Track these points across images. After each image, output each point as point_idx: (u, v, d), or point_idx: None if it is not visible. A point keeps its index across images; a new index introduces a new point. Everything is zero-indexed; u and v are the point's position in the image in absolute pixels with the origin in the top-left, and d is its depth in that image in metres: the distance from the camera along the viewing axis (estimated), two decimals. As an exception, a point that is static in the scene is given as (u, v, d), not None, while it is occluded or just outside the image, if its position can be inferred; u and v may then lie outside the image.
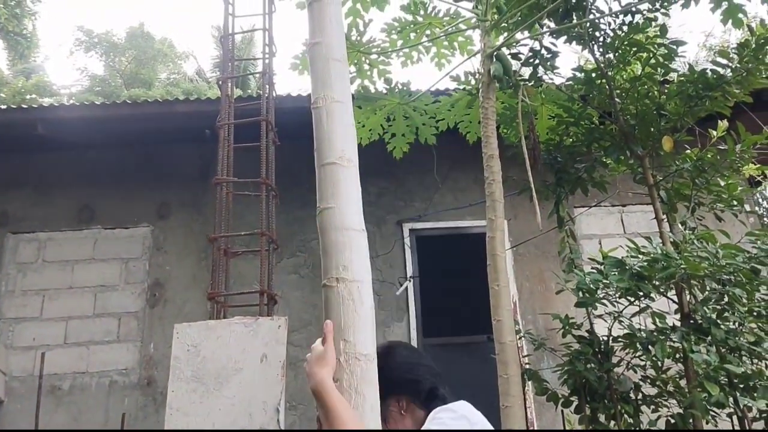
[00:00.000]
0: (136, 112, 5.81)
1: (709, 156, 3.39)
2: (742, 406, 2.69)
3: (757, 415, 2.67)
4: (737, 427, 2.80)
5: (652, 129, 3.56)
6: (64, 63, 49.63)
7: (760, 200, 8.40)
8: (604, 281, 2.86)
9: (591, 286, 2.90)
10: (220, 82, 3.99)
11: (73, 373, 5.43)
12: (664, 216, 3.46)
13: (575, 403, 2.98)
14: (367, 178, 6.22)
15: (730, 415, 2.76)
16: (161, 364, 5.28)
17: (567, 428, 2.96)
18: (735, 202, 3.40)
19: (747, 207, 3.53)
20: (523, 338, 3.46)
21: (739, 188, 3.38)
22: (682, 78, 3.43)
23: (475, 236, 5.40)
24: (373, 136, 4.44)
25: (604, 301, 3.01)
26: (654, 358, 2.91)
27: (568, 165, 3.94)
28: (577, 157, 3.94)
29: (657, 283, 2.84)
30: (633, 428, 2.86)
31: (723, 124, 3.43)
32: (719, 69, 3.29)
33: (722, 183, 3.42)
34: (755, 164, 3.61)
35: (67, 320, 5.62)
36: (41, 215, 5.98)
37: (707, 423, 2.78)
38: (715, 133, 3.42)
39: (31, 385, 5.22)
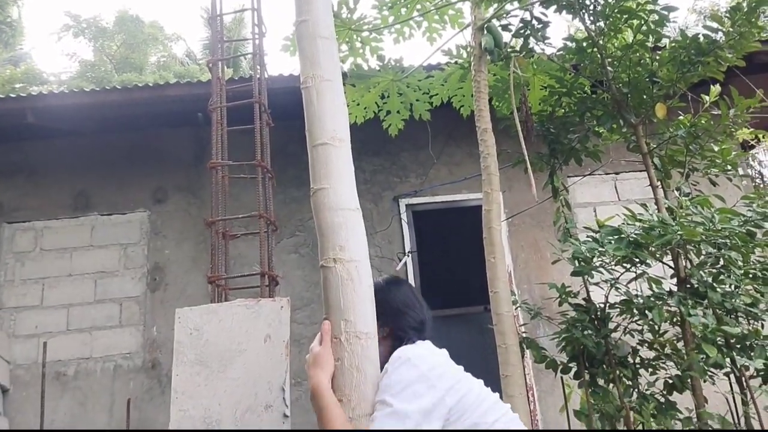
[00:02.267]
0: (128, 98, 5.75)
1: (702, 122, 3.39)
2: (739, 366, 2.75)
3: (755, 374, 2.72)
4: (735, 386, 2.86)
5: (644, 96, 3.55)
6: (52, 49, 48.91)
7: (754, 164, 8.42)
8: (600, 249, 2.89)
9: (587, 254, 2.93)
10: (210, 65, 3.93)
11: (77, 358, 5.48)
12: (659, 183, 3.47)
13: (574, 369, 3.03)
14: (362, 156, 6.28)
15: (727, 374, 2.82)
16: (165, 346, 5.33)
17: (566, 393, 3.01)
18: (729, 167, 3.42)
19: (741, 171, 3.55)
20: (519, 308, 3.50)
21: (733, 152, 3.39)
22: (674, 44, 3.41)
23: (470, 209, 5.42)
24: (368, 114, 4.42)
25: (600, 269, 3.04)
26: (651, 323, 2.96)
27: (561, 135, 3.94)
28: (570, 128, 3.93)
29: (653, 249, 2.87)
30: (632, 390, 2.92)
31: (716, 89, 3.42)
32: (711, 33, 3.28)
33: (716, 148, 3.44)
34: (749, 128, 3.62)
35: (69, 307, 5.65)
36: (36, 204, 5.97)
37: (705, 383, 2.84)
38: (708, 98, 3.41)
39: (35, 372, 5.27)
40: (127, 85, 6.89)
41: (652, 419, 2.68)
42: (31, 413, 5.18)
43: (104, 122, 5.97)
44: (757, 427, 2.74)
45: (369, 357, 1.29)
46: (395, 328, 1.48)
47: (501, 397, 2.83)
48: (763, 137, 3.61)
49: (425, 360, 1.35)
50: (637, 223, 2.85)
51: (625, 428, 2.70)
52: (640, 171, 3.86)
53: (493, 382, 3.05)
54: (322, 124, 1.47)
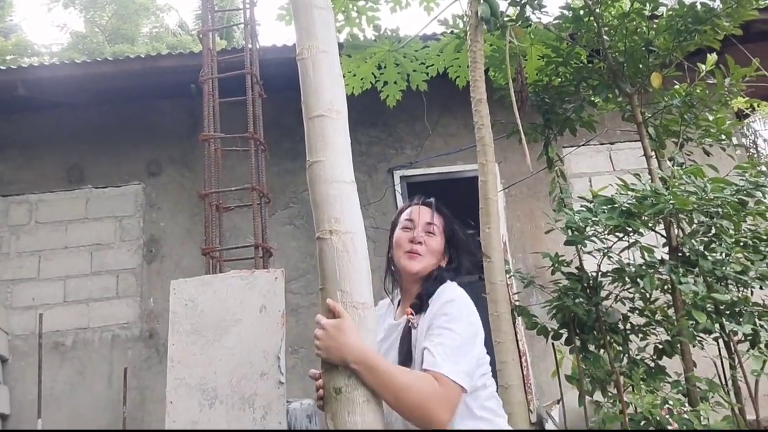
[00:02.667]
0: (120, 69, 5.69)
1: (698, 91, 3.38)
2: (728, 332, 2.80)
3: (742, 339, 2.78)
4: (723, 351, 2.92)
5: (640, 66, 3.53)
6: (43, 21, 47.89)
7: (747, 133, 8.43)
8: (594, 219, 2.91)
9: (580, 224, 2.96)
10: (201, 35, 3.88)
11: (74, 329, 5.55)
12: (653, 152, 3.48)
13: (565, 336, 3.09)
14: (358, 127, 6.26)
15: (716, 339, 2.88)
16: (162, 317, 5.38)
17: (558, 358, 3.07)
18: (723, 136, 3.42)
19: (735, 140, 3.56)
20: (513, 277, 3.54)
21: (728, 122, 3.40)
22: (671, 12, 3.38)
23: (465, 180, 5.43)
24: (365, 85, 4.39)
25: (593, 238, 3.07)
26: (642, 291, 3.00)
27: (557, 106, 3.93)
28: (566, 98, 3.92)
29: (646, 218, 2.89)
30: (622, 355, 2.98)
31: (712, 57, 3.41)
32: (708, 1, 3.25)
33: (711, 117, 3.44)
34: (744, 97, 3.62)
35: (65, 279, 5.69)
36: (30, 177, 5.95)
37: (694, 348, 2.90)
38: (704, 67, 3.40)
39: (33, 343, 5.34)
40: (119, 57, 6.82)
41: (641, 382, 2.75)
42: (30, 382, 5.26)
43: (96, 94, 5.91)
44: (743, 388, 2.81)
45: (366, 326, 1.30)
46: (455, 259, 1.61)
47: (494, 363, 2.91)
48: (758, 106, 3.61)
49: (476, 315, 1.53)
50: (630, 193, 2.87)
51: (616, 391, 2.76)
52: (635, 141, 3.86)
53: (486, 349, 3.13)
54: (318, 96, 1.46)
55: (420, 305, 1.50)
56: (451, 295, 1.49)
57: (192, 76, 4.97)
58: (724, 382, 2.89)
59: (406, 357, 1.45)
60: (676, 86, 3.51)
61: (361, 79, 4.30)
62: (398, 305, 1.62)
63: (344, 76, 3.98)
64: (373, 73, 4.31)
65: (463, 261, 1.63)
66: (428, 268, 1.54)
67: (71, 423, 5.27)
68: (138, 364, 5.43)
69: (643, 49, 3.49)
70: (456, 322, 1.42)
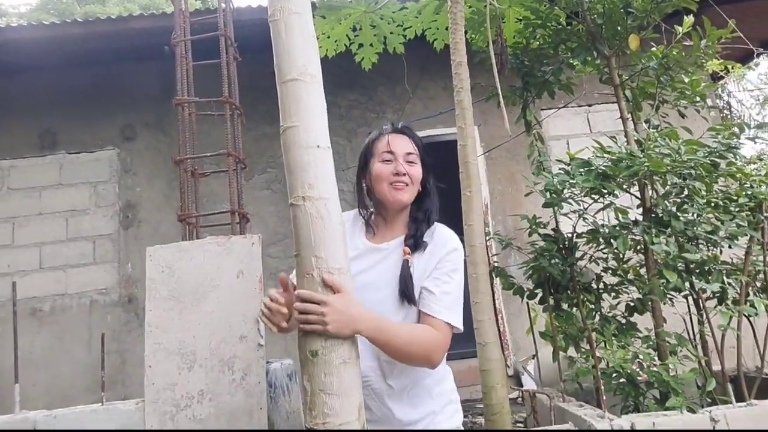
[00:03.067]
0: (90, 31, 5.50)
1: (674, 53, 3.40)
2: (697, 289, 2.89)
3: (711, 296, 2.87)
4: (692, 308, 3.02)
5: (618, 28, 3.52)
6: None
7: (722, 95, 8.51)
8: (571, 182, 2.95)
9: (558, 186, 3.00)
10: (174, -5, 3.76)
11: (52, 295, 5.52)
12: (629, 115, 3.51)
13: (539, 295, 3.16)
14: (336, 91, 6.16)
15: (685, 297, 2.97)
16: (140, 282, 5.38)
17: (532, 316, 3.16)
18: (698, 98, 3.46)
19: (709, 102, 3.59)
20: (492, 239, 3.60)
21: (702, 84, 3.43)
22: (650, -27, 3.37)
23: (446, 143, 5.43)
24: (339, 47, 4.31)
25: (570, 200, 3.11)
26: (616, 251, 3.07)
27: (535, 68, 3.93)
28: (544, 60, 3.92)
29: (621, 180, 2.94)
30: (595, 313, 3.07)
31: (689, 19, 3.41)
32: (686, -38, 3.24)
33: (686, 80, 3.47)
34: (719, 59, 3.64)
35: (41, 246, 5.63)
36: (1, 143, 5.81)
37: (664, 305, 2.99)
38: (680, 29, 3.41)
39: (10, 309, 5.29)
40: (90, 18, 6.59)
41: (613, 338, 2.84)
42: (8, 347, 5.24)
43: (67, 57, 5.74)
44: (710, 343, 2.92)
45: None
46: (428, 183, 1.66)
47: (471, 322, 2.97)
48: (733, 68, 3.64)
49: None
50: (606, 156, 2.91)
51: (588, 347, 2.85)
52: (612, 103, 3.89)
53: (465, 307, 3.19)
54: (291, 59, 1.43)
55: (415, 244, 1.56)
56: (456, 244, 1.60)
57: (165, 38, 4.82)
58: (692, 337, 3.00)
59: (404, 292, 1.52)
60: (654, 48, 3.52)
61: (336, 42, 4.21)
62: (370, 228, 1.66)
63: (318, 38, 3.91)
64: (348, 36, 4.23)
65: (433, 185, 1.70)
66: (413, 196, 1.61)
67: (50, 388, 5.30)
68: (118, 328, 5.45)
69: (622, 10, 3.47)
70: (458, 272, 1.56)
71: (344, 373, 1.23)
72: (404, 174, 1.56)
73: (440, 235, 1.60)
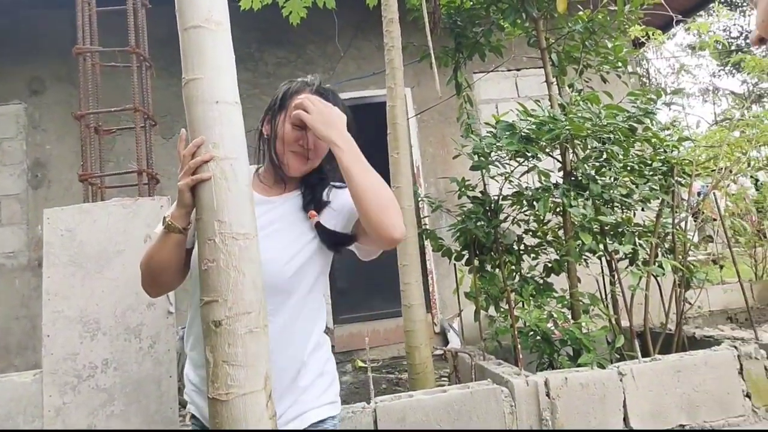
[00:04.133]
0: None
1: (599, 17, 3.45)
2: (610, 251, 3.02)
3: (623, 257, 3.00)
4: (605, 269, 3.16)
5: (547, -10, 3.54)
6: None
7: (642, 63, 8.82)
8: (497, 145, 2.98)
9: (485, 149, 3.02)
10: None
11: (-45, 258, 5.15)
12: (554, 79, 3.56)
13: (466, 257, 3.22)
14: (263, 47, 5.87)
15: (599, 258, 3.10)
16: (54, 246, 5.08)
17: (458, 277, 3.22)
18: (620, 64, 3.55)
19: (630, 68, 3.69)
20: (423, 201, 3.61)
21: (624, 50, 3.51)
22: (579, -65, 3.37)
23: (378, 105, 5.35)
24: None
25: (497, 163, 3.15)
26: (537, 213, 3.15)
27: (467, 29, 3.91)
28: (476, 21, 3.90)
29: (544, 144, 2.99)
30: (515, 274, 3.16)
31: (614, -16, 3.46)
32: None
33: (609, 45, 3.54)
34: (641, 25, 3.73)
35: (-60, 205, 5.20)
36: None
37: (579, 266, 3.11)
38: (606, -6, 3.46)
39: None
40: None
41: (531, 299, 2.94)
42: None
43: (-37, 0, 5.19)
44: (620, 301, 3.07)
45: (249, 257, 1.22)
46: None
47: (399, 285, 3.00)
48: (653, 35, 3.74)
49: None
50: (530, 119, 2.94)
51: (507, 307, 2.94)
52: (539, 68, 3.93)
53: (392, 271, 3.21)
54: (194, 3, 1.30)
55: (318, 206, 1.47)
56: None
57: (74, -18, 4.45)
58: (603, 297, 3.14)
59: (333, 244, 1.45)
60: (580, 13, 3.56)
61: (261, -8, 4.02)
62: (259, 181, 1.55)
63: (242, -12, 3.70)
64: (275, -14, 4.04)
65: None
66: (312, 168, 1.50)
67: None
68: (27, 293, 5.14)
69: (551, -28, 3.48)
70: None
71: (250, 343, 1.17)
72: (310, 149, 1.47)
73: (336, 191, 1.51)
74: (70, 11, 5.27)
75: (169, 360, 2.19)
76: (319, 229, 1.44)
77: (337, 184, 1.51)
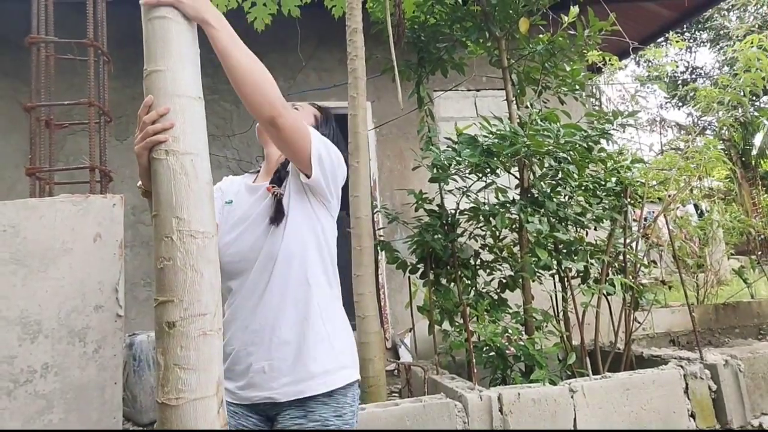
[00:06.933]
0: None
1: (560, 39, 3.55)
2: (564, 268, 3.08)
3: (575, 275, 3.06)
4: (558, 285, 3.21)
5: (510, 11, 3.62)
6: None
7: (594, 91, 9.18)
8: (458, 158, 3.00)
9: (445, 162, 3.04)
10: None
11: None
12: (514, 98, 3.64)
13: (421, 270, 3.21)
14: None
15: (553, 275, 3.15)
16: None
17: (412, 291, 3.21)
18: (577, 87, 3.66)
19: (585, 93, 3.82)
20: (379, 212, 3.60)
21: (582, 74, 3.62)
22: (542, -40, 3.47)
23: (339, 117, 5.34)
24: (230, 3, 4.06)
25: (456, 177, 3.17)
26: (494, 228, 3.18)
27: (431, 45, 3.95)
28: (440, 37, 3.95)
29: (503, 159, 3.03)
30: (470, 288, 3.17)
31: (574, 10, 3.57)
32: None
33: (568, 68, 3.64)
34: (599, 51, 3.86)
35: None
36: None
37: (533, 282, 3.15)
38: (567, 18, 3.56)
39: None
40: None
41: (485, 313, 2.95)
42: None
43: None
44: (572, 318, 3.12)
45: (207, 257, 1.18)
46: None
47: (352, 296, 2.96)
48: (610, 60, 3.88)
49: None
50: (491, 134, 2.99)
51: (462, 321, 2.95)
52: (499, 89, 4.01)
53: (346, 281, 3.17)
54: None
55: (278, 179, 1.54)
56: None
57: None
58: (556, 313, 3.19)
59: (274, 218, 1.48)
60: (541, 35, 3.65)
61: (226, -4, 3.97)
62: (257, 172, 1.69)
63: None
64: (241, -9, 4.00)
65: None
66: None
67: None
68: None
69: (515, -6, 3.56)
70: None
71: (203, 346, 1.12)
72: None
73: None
74: (21, 3, 5.09)
75: (115, 366, 2.08)
76: (274, 204, 1.49)
77: None
